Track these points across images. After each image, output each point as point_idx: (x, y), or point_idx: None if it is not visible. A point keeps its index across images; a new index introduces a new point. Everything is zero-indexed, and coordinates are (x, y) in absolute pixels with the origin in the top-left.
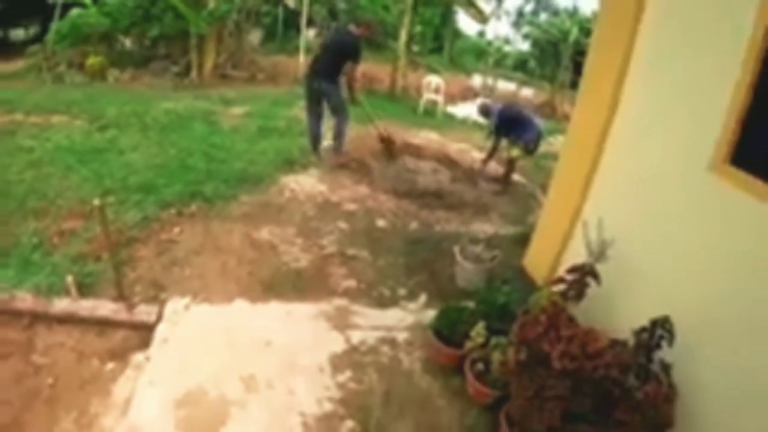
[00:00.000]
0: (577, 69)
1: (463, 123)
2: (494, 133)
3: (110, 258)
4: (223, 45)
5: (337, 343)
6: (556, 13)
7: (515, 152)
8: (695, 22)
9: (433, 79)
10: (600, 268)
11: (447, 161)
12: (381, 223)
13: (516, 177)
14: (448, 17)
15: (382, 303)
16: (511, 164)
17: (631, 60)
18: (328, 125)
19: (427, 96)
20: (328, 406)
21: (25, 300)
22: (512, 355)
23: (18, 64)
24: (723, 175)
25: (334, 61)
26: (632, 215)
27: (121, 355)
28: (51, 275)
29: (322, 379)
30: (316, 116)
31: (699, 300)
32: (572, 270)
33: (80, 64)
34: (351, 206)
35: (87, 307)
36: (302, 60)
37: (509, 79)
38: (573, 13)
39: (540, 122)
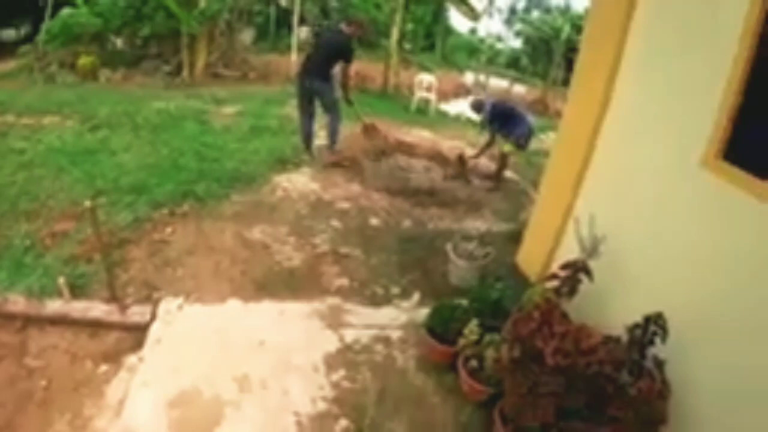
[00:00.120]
0: (570, 66)
1: (456, 120)
2: (488, 126)
3: (102, 259)
4: (215, 44)
5: (330, 342)
6: (548, 10)
7: (507, 148)
8: (687, 19)
9: (425, 77)
10: (592, 264)
11: (440, 159)
12: (374, 221)
13: (508, 174)
14: (439, 15)
15: (376, 301)
16: (503, 160)
17: (623, 56)
18: (320, 124)
19: (420, 94)
20: (322, 405)
21: (17, 303)
22: (506, 352)
23: (9, 65)
24: (715, 171)
25: (326, 60)
26: (624, 211)
27: (114, 357)
28: (43, 277)
29: (316, 379)
30: (308, 115)
31: (692, 296)
32: (565, 266)
33: (72, 64)
34: (344, 205)
35: (79, 308)
36: (294, 59)
37: (502, 76)
38: (565, 10)
39: (531, 119)
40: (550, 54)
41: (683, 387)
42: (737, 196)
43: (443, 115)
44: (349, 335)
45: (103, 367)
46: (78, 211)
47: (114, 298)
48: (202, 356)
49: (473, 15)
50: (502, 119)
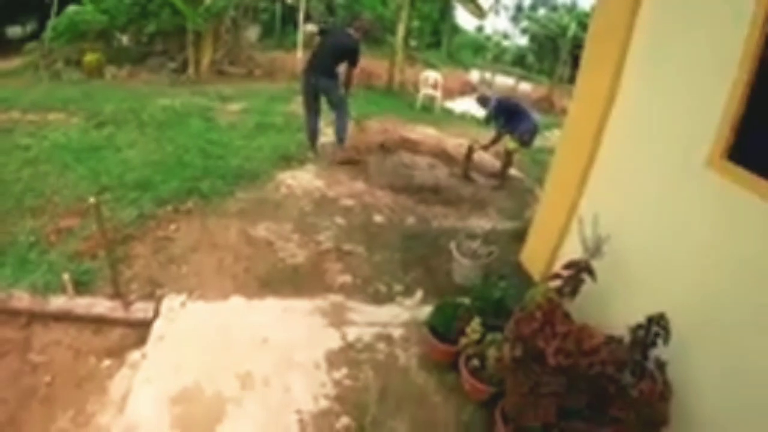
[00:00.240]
0: (576, 64)
1: (461, 118)
2: (494, 121)
3: (107, 255)
4: (220, 41)
5: (333, 340)
6: (554, 8)
7: (511, 145)
8: (693, 15)
9: (431, 75)
10: (596, 264)
11: (444, 156)
12: (378, 218)
13: (513, 171)
14: (446, 12)
15: (379, 299)
16: (508, 158)
17: (628, 54)
18: (325, 121)
19: (425, 91)
20: (324, 403)
21: (21, 299)
22: (507, 351)
23: (15, 62)
24: (720, 171)
25: (332, 58)
26: (628, 211)
27: (117, 353)
28: (47, 273)
29: (318, 376)
30: (313, 112)
31: (695, 297)
32: (567, 266)
33: (77, 61)
34: (348, 202)
35: (83, 305)
36: (300, 56)
37: (508, 74)
38: (571, 8)
39: (536, 116)
40: (557, 52)
41: (685, 388)
42: (742, 196)
43: (448, 113)
44: (352, 333)
45: (107, 363)
46: (83, 208)
47: (118, 294)
48: (205, 353)
49: (480, 13)
50: (506, 115)
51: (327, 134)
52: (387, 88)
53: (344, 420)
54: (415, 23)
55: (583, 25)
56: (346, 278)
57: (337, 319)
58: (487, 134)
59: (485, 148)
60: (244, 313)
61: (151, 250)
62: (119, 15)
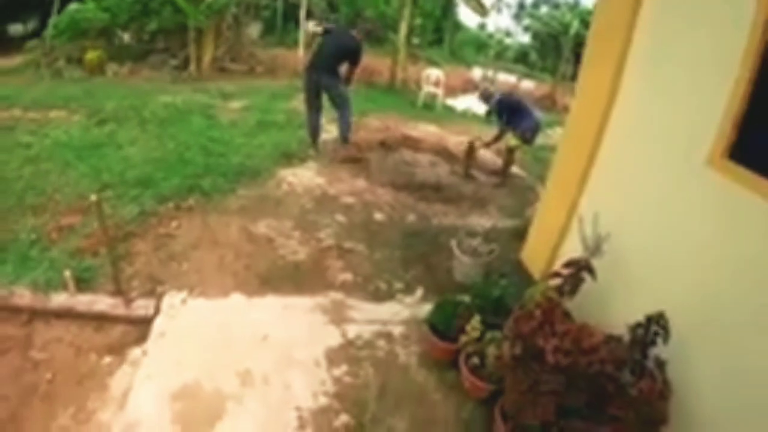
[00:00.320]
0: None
1: (463, 116)
2: (495, 118)
3: (108, 253)
4: (222, 38)
5: (333, 337)
6: (556, 6)
7: (513, 142)
8: (694, 13)
9: (433, 72)
10: (596, 262)
11: (446, 154)
12: (378, 216)
13: (515, 169)
14: (448, 10)
15: (379, 297)
16: (510, 155)
17: (630, 52)
18: (327, 118)
19: (427, 89)
20: (323, 400)
21: (23, 296)
22: (507, 349)
23: (16, 60)
24: (721, 170)
25: (334, 57)
26: (629, 209)
27: (118, 350)
28: (49, 270)
29: (318, 374)
30: (315, 109)
31: (695, 296)
32: (567, 264)
33: (79, 59)
34: (349, 199)
35: (85, 302)
36: (301, 53)
37: (510, 71)
38: (574, 5)
39: (538, 113)
40: (559, 49)
41: (685, 387)
42: (743, 195)
43: (450, 111)
44: (352, 330)
45: (108, 360)
46: (84, 205)
47: (119, 291)
48: (205, 350)
49: (482, 10)
50: (509, 112)
51: (328, 131)
52: (389, 86)
53: (343, 417)
54: (418, 20)
55: (585, 23)
56: (347, 276)
57: (338, 316)
58: (489, 131)
59: (487, 145)
60: (245, 310)
61: (152, 248)
62: (120, 12)
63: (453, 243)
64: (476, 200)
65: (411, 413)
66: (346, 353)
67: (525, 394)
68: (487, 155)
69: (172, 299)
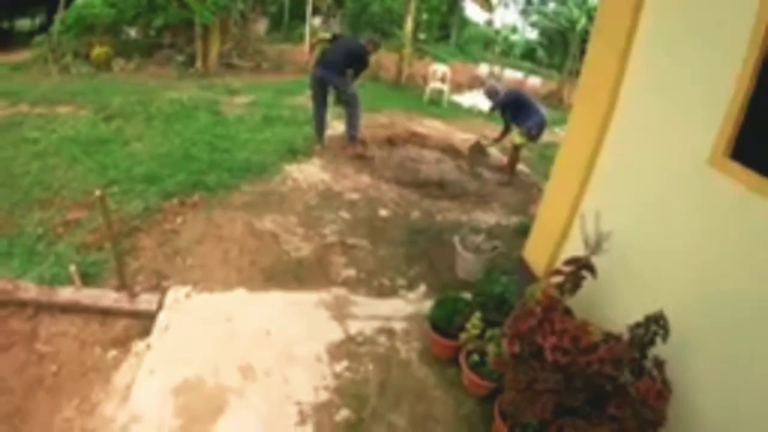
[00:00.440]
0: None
1: (469, 112)
2: (501, 114)
3: (113, 248)
4: (228, 34)
5: (335, 333)
6: (563, 1)
7: (519, 139)
8: (697, 11)
9: (439, 68)
10: (598, 261)
11: (451, 151)
12: (383, 212)
13: (520, 166)
14: (455, 5)
15: (382, 293)
16: (515, 153)
17: (632, 50)
18: (333, 114)
19: (433, 85)
20: (324, 395)
21: (28, 290)
22: (506, 347)
23: (24, 55)
24: (722, 170)
25: (341, 58)
26: (631, 208)
27: (122, 344)
28: (55, 265)
29: (319, 369)
30: (322, 105)
31: (695, 296)
32: (568, 262)
33: (86, 55)
34: (353, 196)
35: (90, 296)
36: (308, 49)
37: (517, 68)
38: (581, 1)
39: (544, 110)
40: (566, 46)
41: (684, 387)
42: (744, 195)
43: (456, 107)
44: (354, 326)
45: (112, 354)
46: (90, 200)
47: (124, 286)
48: (208, 344)
49: (488, 6)
50: (514, 109)
51: (334, 127)
52: (395, 82)
53: (344, 412)
54: (424, 16)
55: (592, 19)
56: (350, 272)
57: (340, 312)
58: (495, 128)
59: (495, 142)
60: (248, 305)
61: (157, 243)
62: (127, 8)
63: (456, 239)
64: (481, 197)
65: (410, 409)
66: (347, 349)
67: (523, 392)
68: (492, 152)
69: (176, 294)
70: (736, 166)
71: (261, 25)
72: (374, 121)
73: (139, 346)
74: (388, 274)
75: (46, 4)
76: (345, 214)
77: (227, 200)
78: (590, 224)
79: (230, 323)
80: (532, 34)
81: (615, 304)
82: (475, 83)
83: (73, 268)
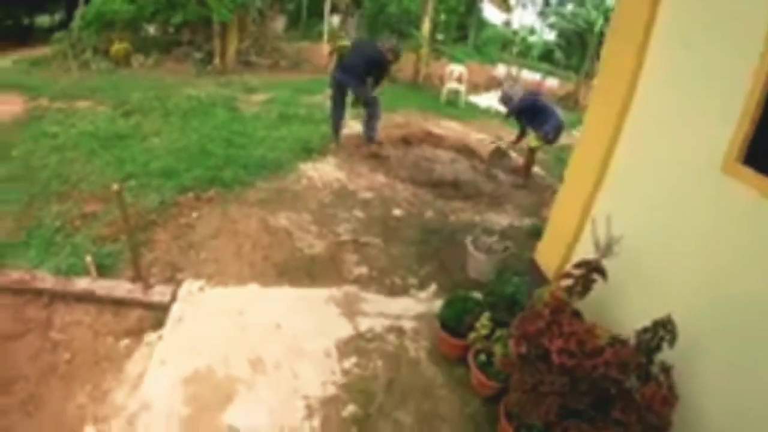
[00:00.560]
0: None
1: (486, 113)
2: (516, 118)
3: (129, 240)
4: (247, 32)
5: (344, 329)
6: (582, 3)
7: (534, 142)
8: (710, 15)
9: (456, 68)
10: (609, 264)
11: (467, 151)
12: (396, 211)
13: (535, 169)
14: (473, 6)
15: (393, 291)
16: (531, 155)
17: (647, 54)
18: (350, 113)
19: (450, 85)
20: (331, 390)
21: (45, 280)
22: (514, 348)
23: (44, 51)
24: (735, 175)
25: (361, 64)
26: (642, 211)
27: (135, 334)
28: (71, 256)
29: (327, 364)
30: (340, 105)
31: (705, 301)
32: (578, 265)
33: (105, 51)
34: (367, 194)
35: (105, 286)
36: (326, 47)
37: (534, 69)
38: (599, 3)
39: (561, 113)
40: (584, 47)
41: (691, 393)
42: (757, 201)
43: (473, 107)
44: (364, 323)
45: (125, 343)
46: (107, 194)
47: (138, 277)
48: (220, 337)
49: (506, 6)
50: (529, 114)
51: (350, 126)
52: (412, 82)
53: (351, 408)
54: (442, 16)
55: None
56: (362, 270)
57: (350, 309)
58: (512, 130)
59: (513, 144)
60: (260, 299)
61: (172, 236)
62: (146, 5)
63: (468, 240)
64: (495, 198)
65: (417, 406)
66: (356, 345)
67: (528, 393)
68: (512, 155)
69: (190, 286)
70: (749, 172)
71: (279, 23)
72: (390, 121)
73: (151, 336)
74: (399, 272)
75: (66, 0)
76: (359, 213)
77: (242, 196)
78: (601, 227)
79: (242, 317)
80: (550, 36)
81: (625, 308)
82: (492, 84)
83: (89, 259)
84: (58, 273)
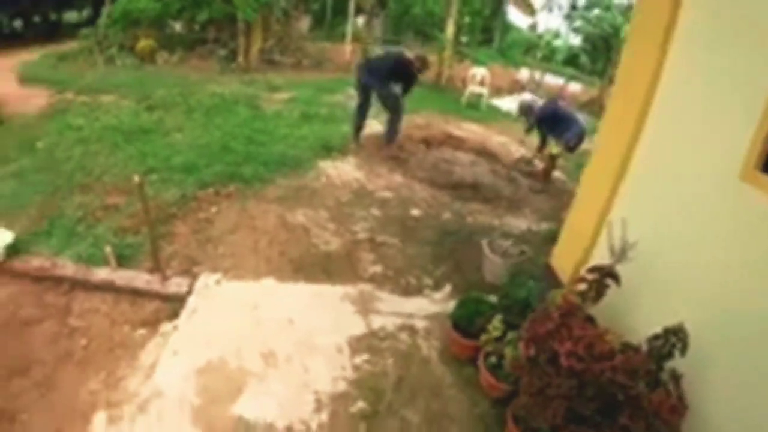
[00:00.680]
0: None
1: (508, 116)
2: (537, 128)
3: (149, 232)
4: (271, 31)
5: (357, 327)
6: (608, 7)
7: (555, 149)
8: (730, 24)
9: (479, 71)
10: (623, 269)
11: (487, 154)
12: (414, 212)
13: (556, 174)
14: (498, 9)
15: (407, 291)
16: (551, 162)
17: (665, 61)
18: (373, 113)
19: (472, 88)
20: (341, 386)
21: (65, 267)
22: (523, 350)
23: (71, 46)
24: (753, 183)
25: (386, 68)
26: (659, 218)
27: (151, 324)
28: (92, 246)
29: (339, 360)
30: (363, 106)
31: (720, 309)
32: (592, 270)
33: (131, 47)
34: (385, 194)
35: (124, 276)
36: (349, 48)
37: (558, 73)
38: (626, 8)
39: (583, 120)
40: (609, 52)
41: (700, 400)
42: None
43: (495, 110)
44: (377, 321)
45: (140, 332)
46: (129, 186)
47: (157, 269)
48: (233, 329)
49: (530, 10)
50: (550, 124)
51: (372, 126)
52: (434, 84)
53: (360, 404)
54: (466, 19)
55: None
56: (377, 268)
57: (364, 307)
58: (533, 135)
59: (538, 151)
60: (275, 294)
61: (191, 230)
62: (172, 3)
63: (484, 243)
64: (513, 202)
65: (426, 405)
66: (368, 343)
67: (536, 396)
68: (528, 157)
69: (206, 279)
70: (767, 179)
71: (304, 23)
72: (411, 122)
73: (166, 327)
74: (414, 272)
75: None
76: (376, 212)
77: (261, 192)
78: (617, 232)
79: (256, 311)
80: (576, 40)
81: (638, 314)
82: (515, 88)
83: (109, 249)
84: (79, 261)
